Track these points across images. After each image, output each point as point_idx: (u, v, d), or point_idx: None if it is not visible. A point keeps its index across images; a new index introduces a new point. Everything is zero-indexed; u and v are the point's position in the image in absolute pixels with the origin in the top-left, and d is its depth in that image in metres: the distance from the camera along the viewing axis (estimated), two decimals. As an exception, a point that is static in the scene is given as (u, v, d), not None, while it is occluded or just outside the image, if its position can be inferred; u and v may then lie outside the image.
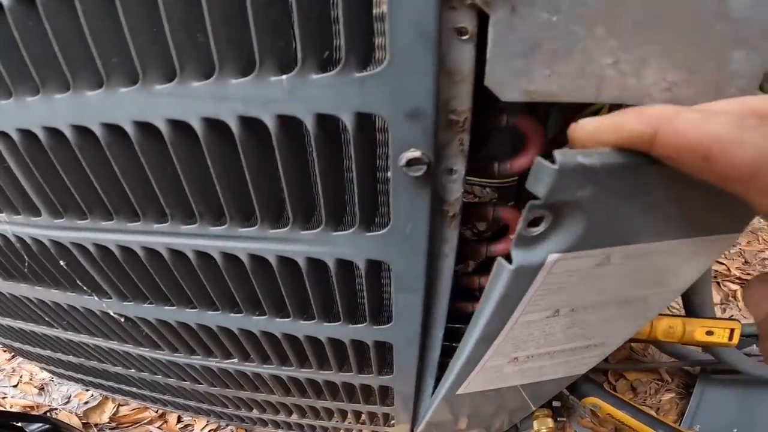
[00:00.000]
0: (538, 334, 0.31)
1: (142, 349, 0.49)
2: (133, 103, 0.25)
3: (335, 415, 0.59)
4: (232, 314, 0.38)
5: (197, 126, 0.24)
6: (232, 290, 0.35)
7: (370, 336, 0.38)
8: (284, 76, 0.22)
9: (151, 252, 0.33)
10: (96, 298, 0.42)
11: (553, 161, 0.17)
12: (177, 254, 0.33)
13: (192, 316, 0.39)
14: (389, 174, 0.24)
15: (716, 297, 1.11)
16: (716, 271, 1.15)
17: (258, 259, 0.31)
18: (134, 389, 0.67)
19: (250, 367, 0.48)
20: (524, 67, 0.21)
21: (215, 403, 0.64)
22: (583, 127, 0.19)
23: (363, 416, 0.58)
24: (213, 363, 0.48)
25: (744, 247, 1.22)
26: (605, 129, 0.18)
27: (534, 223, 0.20)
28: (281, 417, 0.64)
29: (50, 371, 0.76)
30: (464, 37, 0.21)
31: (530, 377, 0.41)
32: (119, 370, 0.58)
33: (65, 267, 0.39)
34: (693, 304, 0.56)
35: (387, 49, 0.21)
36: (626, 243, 0.23)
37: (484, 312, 0.27)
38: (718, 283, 1.15)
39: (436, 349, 0.41)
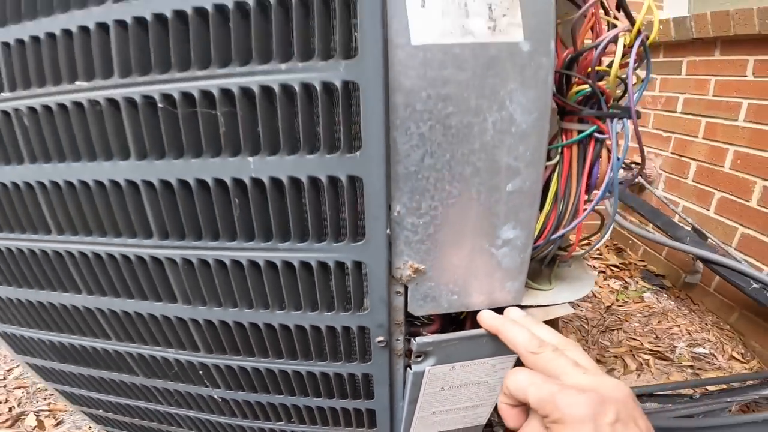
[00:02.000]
0: (442, 398, 0.59)
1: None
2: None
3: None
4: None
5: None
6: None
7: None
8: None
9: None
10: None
11: (410, 340, 0.47)
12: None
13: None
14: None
15: (632, 365, 1.39)
16: (632, 346, 1.44)
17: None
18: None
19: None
20: (425, 304, 0.51)
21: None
22: (481, 316, 0.48)
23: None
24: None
25: (655, 326, 1.52)
26: (494, 325, 0.46)
27: (419, 356, 0.49)
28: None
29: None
30: (399, 293, 0.51)
31: (454, 424, 0.69)
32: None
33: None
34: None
35: (367, 303, 0.50)
36: (460, 360, 0.52)
37: (406, 391, 0.56)
38: (633, 355, 1.43)
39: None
